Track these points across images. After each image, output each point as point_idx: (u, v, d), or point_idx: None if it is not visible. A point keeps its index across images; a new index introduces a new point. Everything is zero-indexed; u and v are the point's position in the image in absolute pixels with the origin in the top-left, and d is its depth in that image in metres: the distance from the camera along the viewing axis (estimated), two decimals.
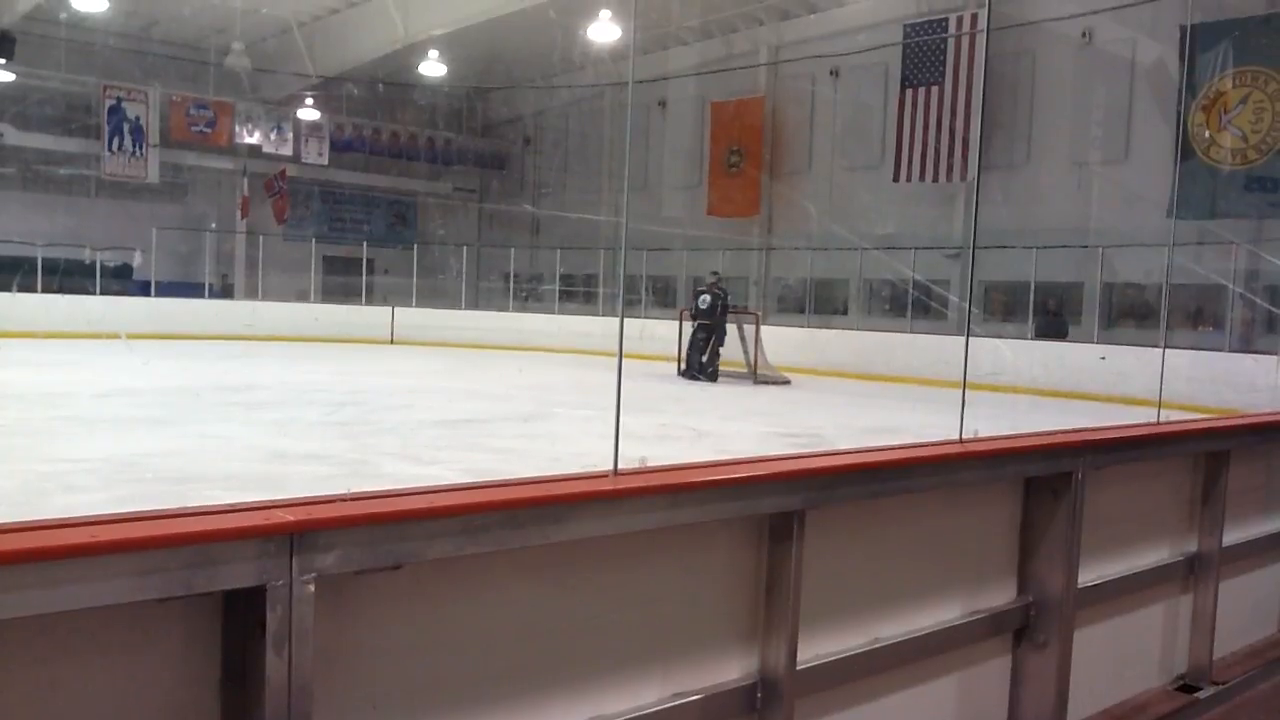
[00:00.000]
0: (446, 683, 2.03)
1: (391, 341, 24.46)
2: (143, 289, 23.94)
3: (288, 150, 27.48)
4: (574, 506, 2.10)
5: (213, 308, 24.47)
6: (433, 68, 26.41)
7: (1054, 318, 18.50)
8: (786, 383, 17.05)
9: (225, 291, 27.11)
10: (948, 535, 3.21)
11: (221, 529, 1.62)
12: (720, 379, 17.03)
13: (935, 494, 3.07)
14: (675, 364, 17.49)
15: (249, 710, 1.69)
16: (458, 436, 9.91)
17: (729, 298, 17.90)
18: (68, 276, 22.13)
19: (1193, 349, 15.32)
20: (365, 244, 27.79)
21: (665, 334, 17.97)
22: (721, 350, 17.18)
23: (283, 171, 28.01)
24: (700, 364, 17.08)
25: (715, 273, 18.23)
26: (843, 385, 17.65)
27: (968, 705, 3.27)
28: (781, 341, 18.51)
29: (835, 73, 23.22)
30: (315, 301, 25.65)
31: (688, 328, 17.56)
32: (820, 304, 23.07)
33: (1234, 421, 4.96)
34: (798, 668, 2.56)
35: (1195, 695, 4.04)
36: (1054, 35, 19.41)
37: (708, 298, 17.19)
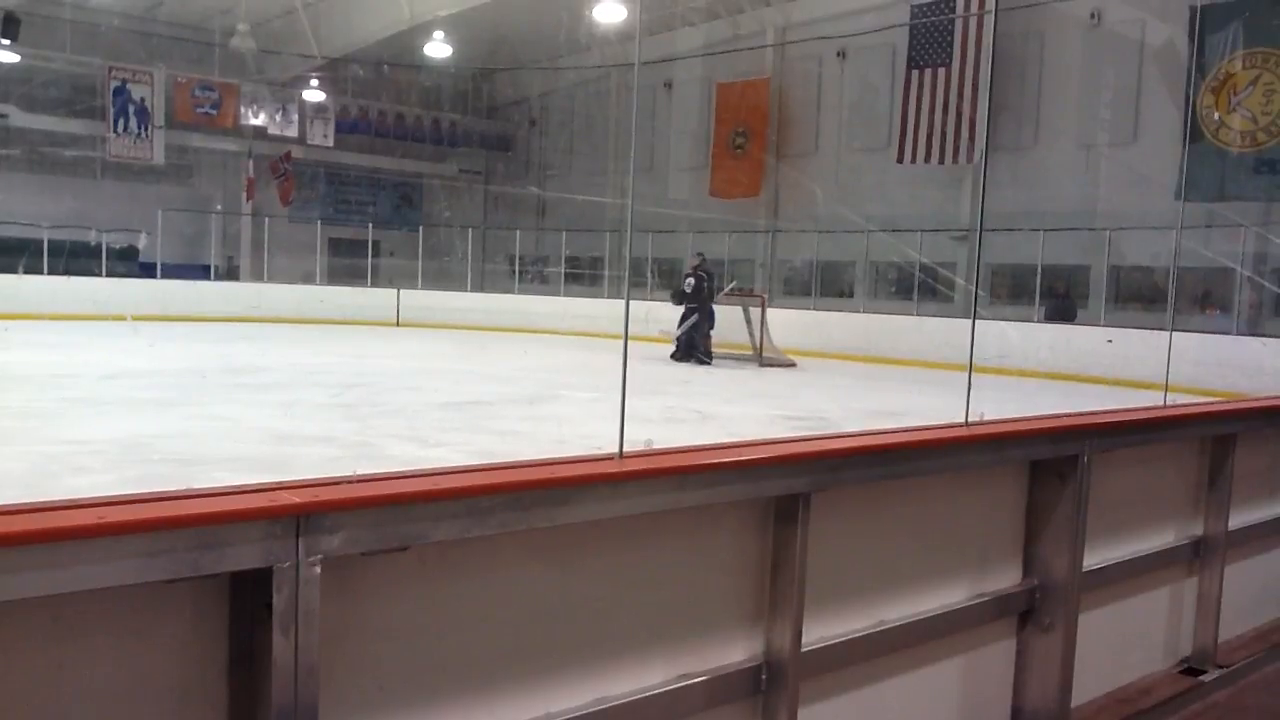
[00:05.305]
0: (453, 664, 2.04)
1: (397, 324, 24.47)
2: (148, 271, 23.96)
3: (293, 132, 27.45)
4: (579, 489, 2.10)
5: (218, 290, 24.52)
6: (438, 49, 26.31)
7: (1062, 300, 18.45)
8: (792, 365, 17.04)
9: (231, 273, 27.15)
10: (953, 518, 3.21)
11: (228, 510, 1.62)
12: (726, 362, 17.00)
13: (941, 477, 3.07)
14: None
15: (256, 691, 1.70)
16: (463, 418, 9.92)
17: (715, 280, 17.80)
18: (73, 258, 22.12)
19: (1200, 332, 15.28)
20: (370, 226, 27.76)
21: (670, 316, 17.95)
22: (712, 332, 17.08)
23: (288, 153, 27.98)
24: (691, 346, 16.96)
25: (700, 254, 18.09)
26: (848, 368, 17.63)
27: (972, 688, 3.27)
28: (787, 324, 18.48)
29: (842, 54, 23.11)
30: (320, 284, 25.65)
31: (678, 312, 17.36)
32: (826, 286, 23.03)
33: (1241, 405, 4.95)
34: (802, 650, 2.56)
35: (1200, 678, 4.04)
36: (1063, 16, 19.29)
37: (693, 280, 17.09)
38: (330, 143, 28.30)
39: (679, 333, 16.99)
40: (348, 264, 27.14)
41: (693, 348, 16.88)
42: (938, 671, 3.14)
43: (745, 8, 24.61)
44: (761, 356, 16.99)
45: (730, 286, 19.26)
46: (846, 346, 19.06)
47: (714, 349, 17.07)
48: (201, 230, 26.80)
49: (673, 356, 16.91)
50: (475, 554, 2.03)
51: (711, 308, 17.08)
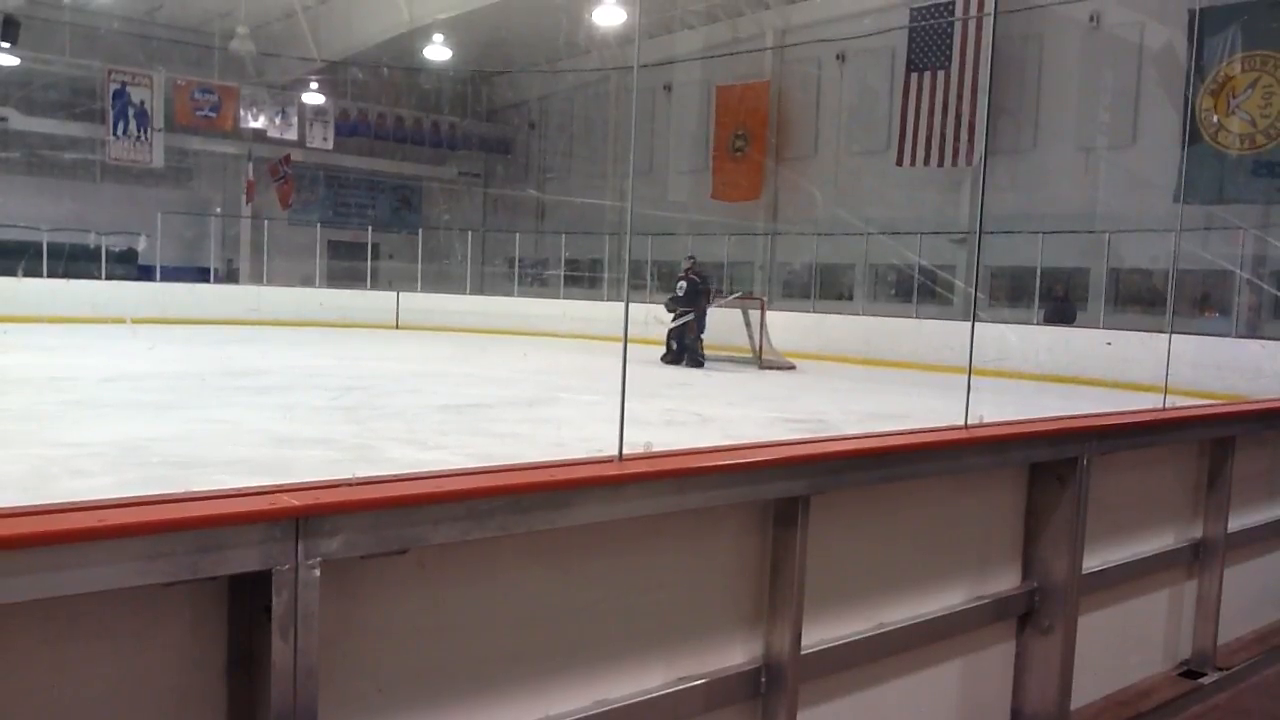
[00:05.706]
0: (452, 667, 2.04)
1: (396, 326, 24.47)
2: (147, 274, 23.97)
3: (292, 135, 27.46)
4: (579, 492, 2.10)
5: (217, 292, 24.51)
6: (438, 51, 26.33)
7: (1062, 303, 18.46)
8: (792, 368, 17.03)
9: (230, 276, 27.15)
10: (953, 521, 3.21)
11: (227, 513, 1.62)
12: (725, 364, 16.99)
13: (940, 480, 3.07)
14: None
15: (255, 694, 1.70)
16: (463, 421, 9.92)
17: (706, 282, 17.81)
18: (73, 261, 22.13)
19: (1199, 335, 15.28)
20: (370, 229, 27.77)
21: (669, 319, 17.92)
22: (703, 335, 17.05)
23: (287, 156, 27.99)
24: (682, 349, 16.94)
25: (691, 257, 18.09)
26: (848, 371, 17.63)
27: (971, 691, 3.27)
28: (787, 327, 18.49)
29: (841, 57, 23.13)
30: (320, 286, 25.64)
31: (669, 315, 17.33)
32: (826, 289, 23.03)
33: (1240, 407, 4.95)
34: (802, 653, 2.56)
35: (1199, 681, 4.04)
36: (1062, 19, 19.30)
37: (684, 284, 17.10)
38: (330, 145, 28.31)
39: (673, 325, 16.97)
40: (347, 267, 27.14)
41: (684, 350, 16.88)
42: (937, 674, 3.14)
43: (744, 10, 24.62)
44: (761, 359, 16.99)
45: (735, 295, 19.23)
46: (846, 349, 19.05)
47: (711, 352, 17.05)
48: (201, 233, 26.81)
49: (664, 359, 16.91)
50: (475, 556, 2.03)
51: (705, 310, 17.05)
